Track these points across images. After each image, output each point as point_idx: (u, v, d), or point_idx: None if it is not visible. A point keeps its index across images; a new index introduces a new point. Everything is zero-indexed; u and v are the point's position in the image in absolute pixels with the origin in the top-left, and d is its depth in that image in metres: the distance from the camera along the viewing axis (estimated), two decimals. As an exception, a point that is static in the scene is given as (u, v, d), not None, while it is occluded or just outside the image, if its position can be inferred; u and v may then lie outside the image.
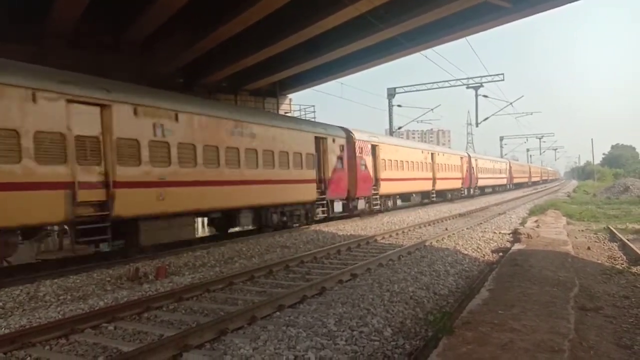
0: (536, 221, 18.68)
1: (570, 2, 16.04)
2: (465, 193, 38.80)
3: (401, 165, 27.12)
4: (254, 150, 16.17)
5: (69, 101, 10.76)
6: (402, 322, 6.87)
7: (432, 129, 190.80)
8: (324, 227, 19.92)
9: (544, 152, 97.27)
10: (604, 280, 8.80)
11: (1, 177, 9.58)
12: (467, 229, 17.87)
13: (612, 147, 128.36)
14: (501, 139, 79.92)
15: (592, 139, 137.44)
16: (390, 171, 25.51)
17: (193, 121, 13.96)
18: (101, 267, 11.92)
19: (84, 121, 11.09)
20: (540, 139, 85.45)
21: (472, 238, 15.35)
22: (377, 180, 24.16)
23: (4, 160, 9.62)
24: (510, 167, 58.16)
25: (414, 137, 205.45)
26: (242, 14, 15.45)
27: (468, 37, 20.26)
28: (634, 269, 9.66)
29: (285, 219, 18.49)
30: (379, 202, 24.84)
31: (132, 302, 7.87)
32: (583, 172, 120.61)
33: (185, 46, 18.49)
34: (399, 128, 44.09)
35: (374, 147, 23.46)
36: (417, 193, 31.02)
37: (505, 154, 75.78)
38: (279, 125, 17.26)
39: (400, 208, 29.05)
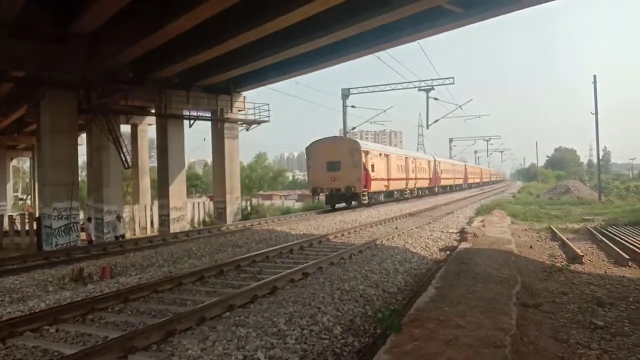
0: (482, 221, 19.28)
1: (517, 10, 16.67)
2: (428, 192, 43.06)
3: (387, 168, 32.05)
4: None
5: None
6: (352, 320, 6.95)
7: (384, 130, 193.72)
8: (277, 227, 19.87)
9: (491, 154, 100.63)
10: (544, 277, 9.20)
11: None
12: (416, 227, 18.24)
13: (555, 150, 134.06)
14: (450, 140, 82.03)
15: (536, 142, 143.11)
16: (386, 173, 31.99)
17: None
18: (43, 267, 11.46)
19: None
20: (487, 141, 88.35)
21: (421, 237, 15.68)
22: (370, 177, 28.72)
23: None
24: (466, 169, 63.67)
25: (367, 138, 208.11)
26: (196, 9, 15.14)
27: (421, 41, 20.73)
28: (572, 267, 10.13)
29: None
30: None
31: (76, 304, 7.61)
32: (528, 174, 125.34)
33: (136, 39, 17.94)
34: (353, 128, 44.48)
35: (364, 152, 28.07)
36: (397, 190, 35.19)
37: (454, 156, 77.88)
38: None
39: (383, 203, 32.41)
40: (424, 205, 30.12)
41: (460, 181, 58.02)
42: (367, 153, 28.41)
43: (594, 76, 37.99)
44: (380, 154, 31.39)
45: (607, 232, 14.83)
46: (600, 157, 46.65)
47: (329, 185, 27.59)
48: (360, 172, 27.16)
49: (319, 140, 29.20)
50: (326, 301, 7.63)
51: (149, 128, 31.11)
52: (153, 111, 25.22)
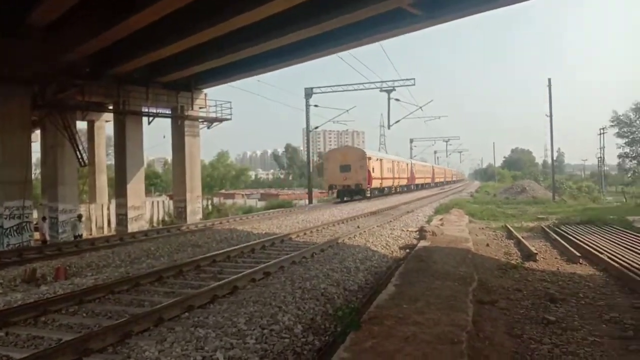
0: (441, 219, 19.65)
1: (476, 13, 17.04)
2: (406, 189, 50.89)
3: (381, 170, 39.59)
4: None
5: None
6: (312, 318, 6.97)
7: (347, 130, 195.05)
8: (239, 226, 19.71)
9: (450, 154, 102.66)
10: (500, 275, 9.46)
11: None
12: (377, 226, 18.43)
13: (512, 150, 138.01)
14: (411, 141, 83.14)
15: (493, 143, 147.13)
16: (381, 173, 39.52)
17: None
18: (-8, 268, 10.99)
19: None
20: (447, 141, 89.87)
21: (381, 235, 15.86)
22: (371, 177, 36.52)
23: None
24: (433, 169, 71.49)
25: (330, 138, 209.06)
26: (158, 3, 14.81)
27: (382, 42, 20.94)
28: (526, 265, 10.46)
29: None
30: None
31: (27, 306, 7.34)
32: (485, 174, 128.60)
33: (94, 33, 17.39)
34: (316, 128, 44.56)
35: (369, 158, 36.35)
36: (387, 187, 43.08)
37: (415, 156, 79.18)
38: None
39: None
40: (385, 204, 30.48)
41: (429, 180, 65.57)
42: (369, 159, 36.54)
43: (549, 79, 39.31)
44: (377, 159, 39.27)
45: (560, 231, 15.36)
46: (555, 158, 48.34)
47: (342, 183, 35.88)
48: (366, 173, 35.34)
49: (334, 149, 43.56)
50: (287, 300, 7.62)
51: (106, 125, 30.28)
52: (111, 107, 24.53)
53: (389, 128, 43.62)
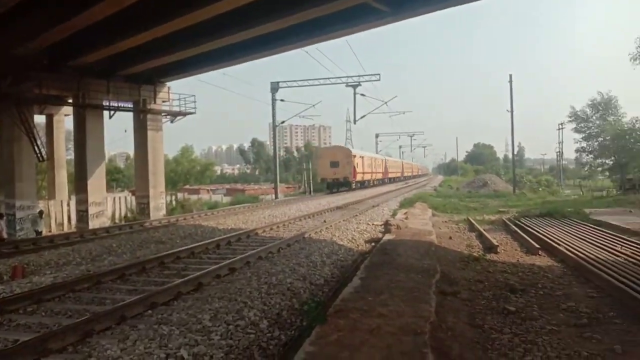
0: (405, 213, 19.92)
1: (441, 9, 17.24)
2: (381, 182, 56.34)
3: (362, 166, 45.90)
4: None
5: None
6: (278, 313, 6.96)
7: (314, 125, 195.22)
8: (203, 222, 19.49)
9: (414, 149, 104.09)
10: (462, 266, 9.65)
11: None
12: (343, 220, 18.54)
13: (474, 145, 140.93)
14: (377, 136, 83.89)
15: (456, 138, 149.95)
16: (363, 168, 45.80)
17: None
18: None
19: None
20: (411, 136, 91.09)
21: (347, 229, 15.96)
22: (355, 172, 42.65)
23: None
24: (402, 165, 77.01)
25: (296, 133, 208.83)
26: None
27: (348, 38, 20.97)
28: (488, 256, 10.71)
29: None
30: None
31: (-19, 306, 7.07)
32: (448, 168, 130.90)
33: (53, 24, 16.75)
34: (282, 122, 44.36)
35: (354, 156, 42.88)
36: (368, 180, 49.21)
37: (380, 150, 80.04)
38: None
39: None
40: (353, 198, 30.68)
41: (399, 174, 70.97)
42: (354, 156, 43.04)
43: (510, 75, 40.25)
44: (360, 157, 45.98)
45: (520, 223, 15.78)
46: (515, 153, 49.60)
47: (332, 176, 42.14)
48: (352, 168, 41.61)
49: (325, 147, 53.85)
50: (253, 296, 7.59)
51: (65, 119, 29.31)
52: (70, 101, 23.75)
53: (354, 123, 43.83)
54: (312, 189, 52.76)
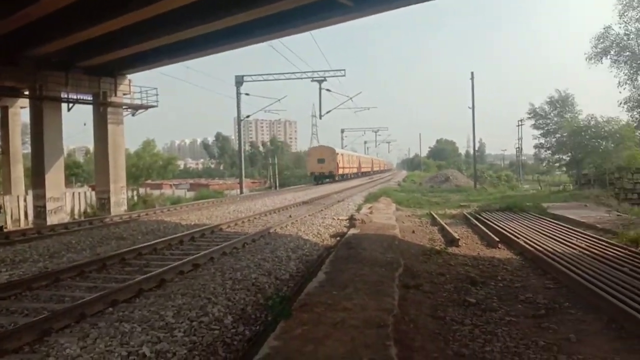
0: (370, 208, 20.10)
1: (405, 6, 17.39)
2: (354, 176, 62.73)
3: (343, 162, 54.18)
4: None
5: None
6: (243, 309, 6.93)
7: (280, 120, 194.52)
8: (166, 217, 19.17)
9: (379, 144, 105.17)
10: (424, 260, 9.81)
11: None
12: (309, 215, 18.57)
13: (437, 141, 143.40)
14: (342, 131, 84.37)
15: (420, 134, 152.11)
16: (343, 164, 53.90)
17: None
18: None
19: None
20: (376, 132, 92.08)
21: (313, 224, 16.00)
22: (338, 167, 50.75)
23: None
24: (372, 160, 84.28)
25: (262, 127, 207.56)
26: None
27: (313, 33, 20.92)
28: (449, 250, 10.91)
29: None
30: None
31: None
32: (412, 164, 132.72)
33: (6, 13, 16.09)
34: (247, 117, 43.99)
35: (337, 154, 51.52)
36: (346, 174, 57.13)
37: (346, 146, 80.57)
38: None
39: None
40: (317, 193, 30.75)
41: (369, 169, 77.69)
42: (337, 154, 51.71)
43: (472, 73, 41.00)
44: (341, 154, 54.87)
45: (480, 217, 16.16)
46: (476, 149, 50.72)
47: (319, 170, 49.66)
48: (335, 164, 49.67)
49: (314, 147, 59.66)
50: (217, 292, 7.53)
51: (22, 111, 28.28)
52: (27, 93, 22.91)
53: (320, 118, 43.94)
54: (277, 184, 52.62)
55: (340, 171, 52.42)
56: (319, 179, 49.56)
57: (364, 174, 70.34)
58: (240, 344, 5.77)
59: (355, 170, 63.17)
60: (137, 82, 26.11)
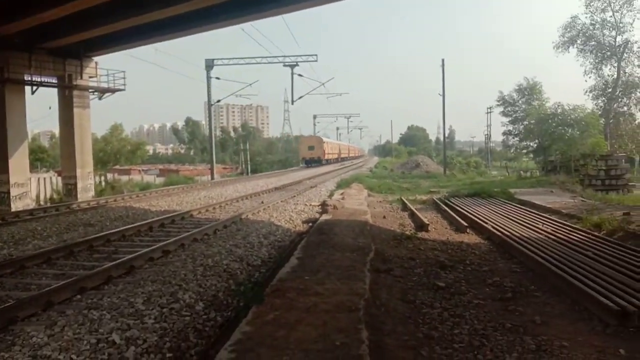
0: (342, 194, 20.19)
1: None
2: (335, 161, 70.95)
3: (328, 149, 64.83)
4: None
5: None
6: (214, 295, 6.90)
7: (251, 105, 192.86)
8: (135, 203, 18.87)
9: (351, 130, 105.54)
10: (395, 244, 9.93)
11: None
12: (281, 201, 18.55)
13: (408, 128, 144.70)
14: (314, 117, 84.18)
15: (391, 121, 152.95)
16: (328, 151, 64.23)
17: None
18: None
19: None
20: (348, 118, 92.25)
21: (285, 210, 16.00)
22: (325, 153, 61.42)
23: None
24: (349, 147, 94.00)
25: (233, 112, 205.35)
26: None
27: (286, 17, 20.71)
28: (419, 235, 11.05)
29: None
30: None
31: None
32: (384, 150, 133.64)
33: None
34: (218, 101, 43.42)
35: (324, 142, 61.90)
36: (330, 159, 66.65)
37: (318, 132, 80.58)
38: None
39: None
40: (289, 179, 30.70)
41: (347, 155, 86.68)
42: (324, 142, 62.47)
43: (442, 60, 41.41)
44: (327, 142, 65.06)
45: (450, 203, 16.42)
46: (446, 135, 51.34)
47: (309, 156, 59.45)
48: (322, 150, 60.12)
49: (305, 136, 70.25)
50: (188, 278, 7.47)
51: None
52: (-14, 75, 22.08)
53: (292, 103, 43.69)
54: (249, 170, 52.32)
55: (326, 157, 62.65)
56: (310, 162, 59.00)
57: (343, 159, 79.29)
58: (212, 330, 5.76)
59: (336, 156, 72.85)
60: (105, 65, 25.45)
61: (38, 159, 51.47)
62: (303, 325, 4.62)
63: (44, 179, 25.44)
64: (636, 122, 41.86)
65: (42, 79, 22.79)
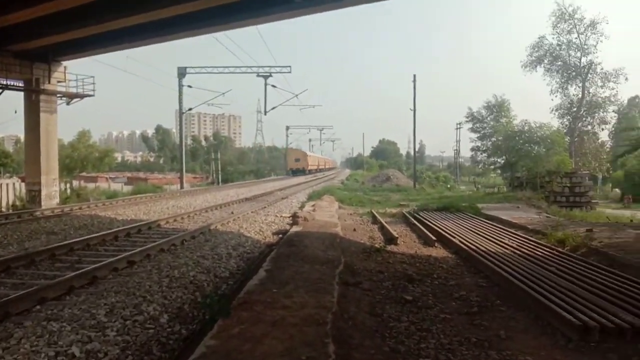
0: (313, 205, 20.18)
1: (352, 6, 17.54)
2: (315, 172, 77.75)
3: (311, 161, 75.67)
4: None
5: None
6: (180, 307, 6.77)
7: (224, 114, 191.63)
8: (101, 212, 18.44)
9: (323, 142, 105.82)
10: (364, 257, 9.95)
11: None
12: (252, 212, 18.41)
13: (380, 141, 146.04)
14: (287, 128, 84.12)
15: (363, 134, 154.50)
16: (310, 163, 75.10)
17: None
18: None
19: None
20: (321, 130, 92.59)
21: (255, 221, 15.88)
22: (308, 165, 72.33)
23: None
24: (325, 160, 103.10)
25: (204, 121, 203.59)
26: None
27: (260, 28, 20.70)
28: (388, 248, 11.12)
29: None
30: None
31: None
32: (355, 162, 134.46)
33: None
34: (189, 110, 43.01)
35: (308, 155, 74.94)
36: (312, 170, 75.13)
37: (291, 143, 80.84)
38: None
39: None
40: (260, 190, 30.53)
41: (323, 166, 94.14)
42: (308, 155, 73.91)
43: (414, 75, 42.15)
44: (310, 156, 76.43)
45: (419, 216, 16.58)
46: (417, 150, 51.97)
47: (296, 166, 68.79)
48: (307, 162, 70.59)
49: (292, 149, 77.81)
50: (153, 290, 7.32)
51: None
52: (-52, 76, 21.33)
53: (265, 114, 43.63)
54: (220, 180, 51.82)
55: (309, 167, 72.91)
56: (296, 172, 67.80)
57: (321, 170, 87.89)
58: (176, 343, 5.63)
59: (316, 167, 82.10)
60: (73, 70, 24.87)
61: (1, 164, 49.94)
62: (269, 339, 4.56)
63: (7, 184, 24.63)
64: (599, 140, 43.27)
65: (8, 82, 22.17)
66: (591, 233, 11.78)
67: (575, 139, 42.16)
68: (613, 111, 43.19)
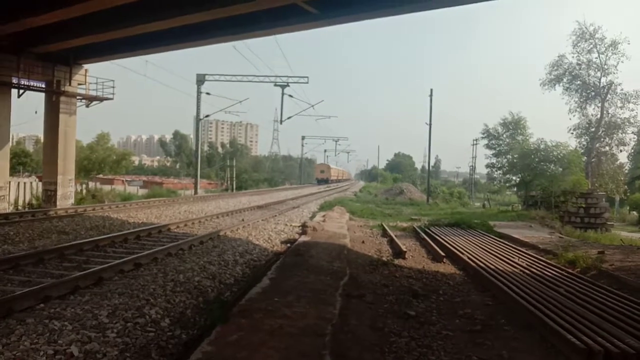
0: (324, 216, 20.16)
1: (371, 18, 17.61)
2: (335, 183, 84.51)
3: (333, 172, 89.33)
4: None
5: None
6: (182, 312, 6.78)
7: (241, 122, 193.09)
8: (113, 214, 18.62)
9: (338, 154, 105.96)
10: (370, 270, 9.88)
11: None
12: (262, 220, 18.44)
13: (395, 154, 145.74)
14: (303, 138, 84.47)
15: (378, 146, 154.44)
16: (332, 174, 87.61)
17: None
18: None
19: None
20: (336, 141, 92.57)
21: (265, 229, 15.89)
22: (331, 175, 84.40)
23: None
24: (343, 172, 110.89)
25: (222, 129, 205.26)
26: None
27: (279, 37, 20.90)
28: (396, 261, 11.04)
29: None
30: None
31: None
32: (370, 175, 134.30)
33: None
34: (207, 116, 43.42)
35: (331, 168, 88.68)
36: (334, 180, 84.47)
37: (306, 153, 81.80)
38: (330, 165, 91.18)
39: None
40: (273, 198, 30.60)
41: (342, 177, 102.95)
42: (331, 168, 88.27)
43: (431, 90, 42.06)
44: (332, 168, 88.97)
45: (429, 231, 16.44)
46: (432, 164, 51.73)
47: (321, 177, 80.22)
48: (330, 173, 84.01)
49: (319, 163, 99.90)
50: (157, 293, 7.33)
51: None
52: (-27, 75, 21.84)
53: (281, 123, 43.91)
54: (234, 187, 52.05)
55: (332, 178, 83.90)
56: (321, 182, 77.30)
57: (339, 181, 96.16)
58: (175, 348, 5.63)
59: (336, 178, 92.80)
60: (94, 73, 25.30)
61: (21, 163, 50.81)
62: (266, 348, 4.54)
63: (24, 183, 25.03)
64: (617, 162, 42.62)
65: (30, 83, 22.63)
66: (603, 255, 11.58)
67: (593, 160, 41.56)
68: (632, 132, 42.46)
